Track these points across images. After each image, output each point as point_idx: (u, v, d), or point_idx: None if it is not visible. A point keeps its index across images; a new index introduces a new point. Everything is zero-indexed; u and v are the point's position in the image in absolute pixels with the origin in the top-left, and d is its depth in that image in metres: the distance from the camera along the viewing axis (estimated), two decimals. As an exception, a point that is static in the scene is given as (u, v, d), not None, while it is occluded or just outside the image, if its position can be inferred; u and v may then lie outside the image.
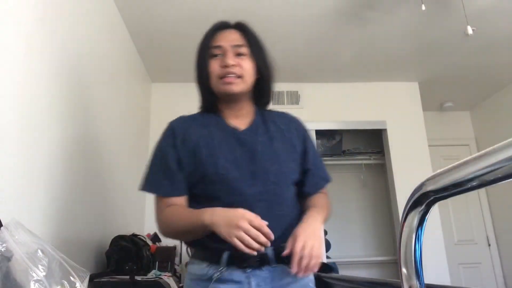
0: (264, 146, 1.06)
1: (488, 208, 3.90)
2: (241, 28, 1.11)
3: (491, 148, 0.34)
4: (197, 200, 1.04)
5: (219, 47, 1.06)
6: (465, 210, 3.89)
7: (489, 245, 3.79)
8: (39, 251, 0.85)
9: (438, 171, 0.41)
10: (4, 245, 0.81)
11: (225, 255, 0.97)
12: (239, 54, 1.06)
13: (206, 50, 1.08)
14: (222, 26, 1.12)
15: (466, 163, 0.37)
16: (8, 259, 0.80)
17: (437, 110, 4.10)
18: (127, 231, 2.23)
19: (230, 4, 2.36)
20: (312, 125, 3.31)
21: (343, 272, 3.42)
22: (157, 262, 2.08)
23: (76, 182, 1.68)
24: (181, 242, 2.83)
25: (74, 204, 1.66)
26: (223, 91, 1.06)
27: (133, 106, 2.77)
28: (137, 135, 2.85)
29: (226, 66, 1.03)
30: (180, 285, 2.26)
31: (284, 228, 1.01)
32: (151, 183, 1.07)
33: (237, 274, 0.97)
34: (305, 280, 1.05)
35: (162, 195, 1.05)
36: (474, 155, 0.36)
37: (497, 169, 0.33)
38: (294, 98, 3.38)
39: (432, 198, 0.42)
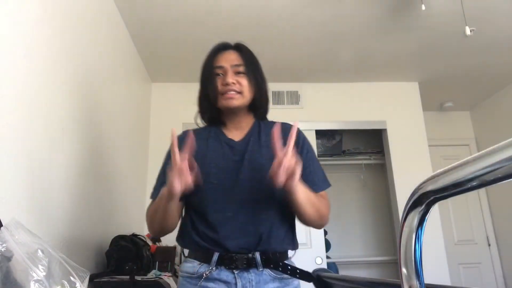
0: (252, 155, 1.15)
1: (488, 208, 3.90)
2: (239, 49, 1.25)
3: (491, 148, 0.34)
4: (195, 209, 1.15)
5: (220, 67, 1.20)
6: (465, 210, 3.89)
7: (489, 245, 3.79)
8: (39, 251, 0.85)
9: (438, 171, 0.41)
10: (4, 245, 0.81)
11: (215, 256, 1.06)
12: (238, 73, 1.19)
13: (210, 70, 1.21)
14: (222, 48, 1.26)
15: (466, 163, 0.37)
16: (8, 259, 0.80)
17: (437, 110, 4.10)
18: (127, 231, 2.23)
19: (230, 4, 2.35)
20: (312, 125, 3.32)
21: (343, 272, 3.43)
22: (157, 262, 2.08)
23: (76, 182, 1.68)
24: (181, 242, 2.84)
25: (74, 204, 1.66)
26: (225, 106, 1.18)
27: (133, 106, 2.77)
28: (137, 135, 2.85)
29: (227, 84, 1.16)
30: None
31: (269, 233, 1.09)
32: (156, 190, 1.17)
33: (225, 274, 1.05)
34: (293, 284, 1.12)
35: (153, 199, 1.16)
36: (474, 155, 0.36)
37: (497, 169, 0.33)
38: (294, 98, 3.38)
39: (432, 198, 0.42)
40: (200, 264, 1.08)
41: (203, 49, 3.13)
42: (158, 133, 3.18)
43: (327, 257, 3.19)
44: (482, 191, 3.97)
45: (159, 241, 2.50)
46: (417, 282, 0.44)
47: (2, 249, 0.80)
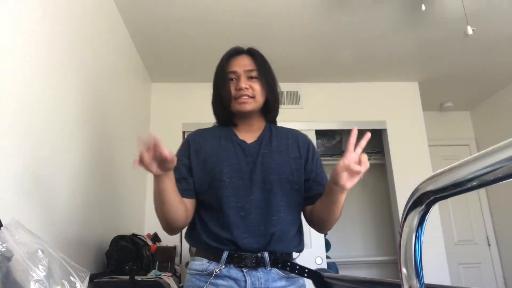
0: (264, 158, 1.19)
1: (488, 208, 3.90)
2: (252, 53, 1.28)
3: (491, 148, 0.34)
4: (206, 206, 1.17)
5: (234, 72, 1.23)
6: (465, 210, 3.89)
7: (489, 245, 3.79)
8: (39, 251, 0.85)
9: (438, 171, 0.41)
10: (4, 245, 0.81)
11: (224, 254, 1.08)
12: (250, 77, 1.23)
13: (223, 74, 1.24)
14: (235, 52, 1.28)
15: (466, 163, 0.37)
16: (8, 259, 0.80)
17: (437, 110, 4.10)
18: (127, 231, 2.23)
19: (230, 4, 2.35)
20: (312, 125, 3.32)
21: (343, 272, 3.43)
22: (157, 262, 2.08)
23: (76, 182, 1.68)
24: (181, 242, 2.84)
25: (74, 204, 1.66)
26: (239, 110, 1.22)
27: (133, 106, 2.77)
28: (137, 135, 2.85)
29: (240, 89, 1.20)
30: (180, 285, 2.26)
31: (278, 234, 1.13)
32: None
33: (234, 272, 1.08)
34: (299, 283, 1.17)
35: None
36: (474, 155, 0.36)
37: (497, 169, 0.33)
38: (294, 98, 3.38)
39: (432, 198, 0.42)
40: (209, 262, 1.10)
41: (203, 49, 3.14)
42: (158, 133, 3.13)
43: (327, 257, 3.19)
44: (482, 191, 3.97)
45: (159, 241, 2.50)
46: (417, 282, 0.44)
47: (2, 249, 0.80)
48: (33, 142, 1.32)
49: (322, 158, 3.64)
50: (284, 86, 3.38)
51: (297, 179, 1.21)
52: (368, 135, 1.05)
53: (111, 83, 2.24)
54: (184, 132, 3.23)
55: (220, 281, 1.07)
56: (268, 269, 1.10)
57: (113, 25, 2.32)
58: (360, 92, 3.46)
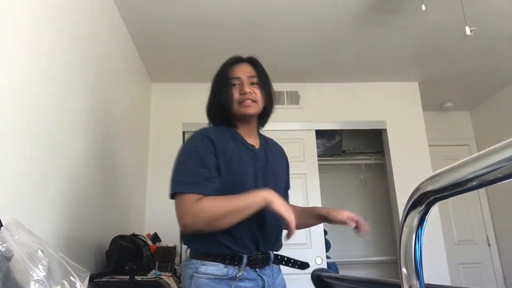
0: (271, 166, 1.31)
1: (488, 208, 3.90)
2: (253, 62, 1.37)
3: (491, 148, 0.34)
4: None
5: (237, 78, 1.31)
6: (465, 210, 3.89)
7: (489, 245, 3.79)
8: (39, 251, 0.85)
9: (438, 171, 0.41)
10: (4, 245, 0.81)
11: (245, 258, 1.15)
12: (252, 83, 1.31)
13: (226, 80, 1.31)
14: (237, 60, 1.37)
15: (466, 163, 0.37)
16: (8, 259, 0.80)
17: (437, 110, 4.10)
18: (127, 231, 2.23)
19: (231, 4, 2.35)
20: (312, 125, 3.32)
21: (343, 272, 3.43)
22: (157, 262, 2.08)
23: (75, 182, 1.68)
24: (181, 242, 2.84)
25: (74, 204, 1.66)
26: (243, 113, 1.28)
27: (133, 106, 2.77)
28: (137, 135, 2.85)
29: (244, 93, 1.27)
30: (180, 285, 2.26)
31: (279, 234, 1.28)
32: (190, 184, 1.14)
33: (251, 273, 1.17)
34: (281, 275, 1.32)
35: (204, 194, 1.13)
36: (474, 155, 0.36)
37: (497, 169, 0.33)
38: (294, 98, 3.38)
39: (432, 198, 0.42)
40: (226, 266, 1.14)
41: (203, 49, 3.13)
42: (158, 133, 3.18)
43: (327, 257, 3.19)
44: (482, 191, 3.97)
45: (159, 241, 2.50)
46: (417, 282, 0.44)
47: (2, 249, 0.80)
48: (33, 142, 1.32)
49: (322, 158, 3.66)
50: (284, 86, 3.39)
51: (285, 185, 1.42)
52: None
53: (111, 83, 2.24)
54: (184, 132, 3.23)
55: (242, 284, 1.14)
56: (271, 265, 1.22)
57: (113, 25, 2.32)
58: (360, 92, 3.46)
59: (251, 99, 1.27)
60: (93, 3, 1.96)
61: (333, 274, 1.26)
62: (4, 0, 1.18)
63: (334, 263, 3.40)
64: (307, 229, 2.93)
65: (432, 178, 0.41)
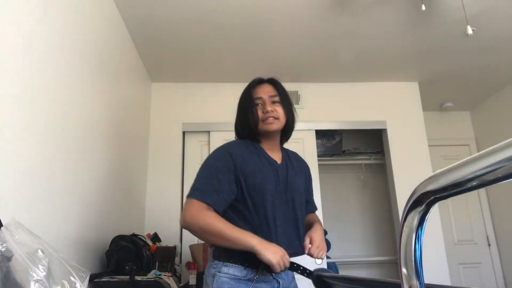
0: (292, 179, 1.40)
1: (488, 208, 3.90)
2: (273, 82, 1.49)
3: (491, 148, 0.34)
4: (234, 210, 1.31)
5: (259, 98, 1.43)
6: (465, 210, 3.89)
7: (489, 245, 3.80)
8: (39, 251, 0.85)
9: (438, 171, 0.41)
10: (4, 245, 0.81)
11: (262, 264, 1.24)
12: (273, 102, 1.43)
13: (250, 101, 1.44)
14: (259, 82, 1.50)
15: (466, 163, 0.37)
16: (9, 259, 0.80)
17: (437, 110, 4.10)
18: (127, 231, 2.23)
19: (230, 4, 2.35)
20: (312, 125, 3.32)
21: (343, 272, 3.43)
22: (157, 262, 2.08)
23: (75, 182, 1.68)
24: (181, 242, 2.84)
25: (74, 204, 1.66)
26: (266, 130, 1.40)
27: (133, 106, 2.77)
28: (137, 135, 2.85)
29: (266, 111, 1.40)
30: (180, 285, 2.26)
31: (297, 245, 1.35)
32: (203, 192, 1.28)
33: (267, 276, 1.29)
34: (295, 282, 1.42)
35: (213, 205, 1.26)
36: (474, 155, 0.36)
37: (497, 169, 0.33)
38: (294, 98, 3.38)
39: (432, 198, 0.42)
40: (245, 268, 1.26)
41: (203, 49, 3.13)
42: (158, 133, 3.18)
43: (327, 257, 3.19)
44: (482, 191, 3.97)
45: (159, 241, 2.50)
46: (417, 282, 0.44)
47: (2, 249, 0.80)
48: (33, 143, 1.32)
49: (322, 158, 3.66)
50: (284, 86, 3.38)
51: (307, 197, 1.50)
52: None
53: (111, 83, 2.24)
54: (184, 132, 3.23)
55: (258, 285, 1.26)
56: (286, 271, 1.32)
57: (113, 25, 2.32)
58: (360, 92, 3.46)
59: (273, 116, 1.39)
60: (93, 3, 1.96)
61: (333, 274, 1.26)
62: (4, 0, 1.18)
63: (334, 263, 3.40)
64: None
65: (432, 178, 0.41)
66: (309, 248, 1.34)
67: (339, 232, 3.71)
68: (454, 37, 2.75)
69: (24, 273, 0.80)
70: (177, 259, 2.49)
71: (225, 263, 1.27)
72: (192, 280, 2.26)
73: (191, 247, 2.51)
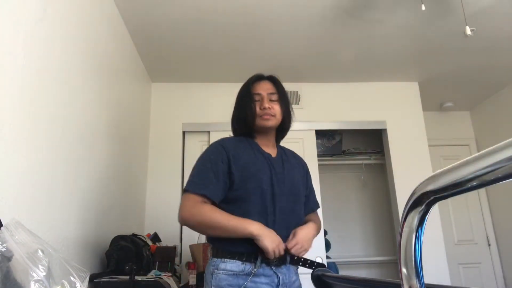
0: (288, 172, 1.41)
1: (488, 208, 3.90)
2: (273, 80, 1.50)
3: (491, 148, 0.34)
4: (229, 202, 1.32)
5: (258, 94, 1.45)
6: (465, 210, 3.89)
7: (489, 245, 3.79)
8: (39, 251, 0.85)
9: (438, 171, 0.41)
10: (4, 245, 0.81)
11: (259, 257, 1.26)
12: (272, 100, 1.44)
13: (249, 96, 1.45)
14: (259, 78, 1.51)
15: (466, 163, 0.37)
16: (9, 259, 0.80)
17: (437, 110, 4.10)
18: (127, 231, 2.23)
19: (230, 4, 2.35)
20: (312, 125, 3.32)
21: (343, 272, 3.43)
22: (157, 262, 2.08)
23: (75, 182, 1.68)
24: (181, 242, 2.84)
25: (74, 203, 1.66)
26: (262, 125, 1.42)
27: (133, 106, 2.77)
28: (137, 135, 2.85)
29: (264, 108, 1.41)
30: (180, 285, 2.26)
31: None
32: (198, 184, 1.30)
33: (267, 270, 1.28)
34: (299, 279, 1.41)
35: (207, 196, 1.28)
36: (474, 155, 0.36)
37: (497, 169, 0.33)
38: (294, 98, 3.38)
39: (432, 198, 0.42)
40: (243, 263, 1.26)
41: (203, 49, 3.13)
42: (158, 133, 3.18)
43: (327, 257, 3.19)
44: (482, 191, 3.97)
45: (159, 241, 2.50)
46: (417, 282, 0.44)
47: (2, 249, 0.80)
48: (33, 143, 1.32)
49: (322, 158, 3.66)
50: (284, 86, 3.38)
51: (306, 193, 1.50)
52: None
53: (111, 83, 2.24)
54: (184, 132, 3.23)
55: (257, 279, 1.25)
56: (287, 265, 1.32)
57: (113, 25, 2.32)
58: (360, 92, 3.46)
59: (270, 113, 1.41)
60: (93, 3, 1.96)
61: (333, 274, 1.26)
62: (4, 0, 1.18)
63: (334, 263, 3.40)
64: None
65: (432, 178, 0.41)
66: (288, 242, 1.30)
67: (339, 232, 3.71)
68: (454, 37, 2.75)
69: (24, 273, 0.80)
70: (177, 259, 2.49)
71: (223, 260, 1.28)
72: (192, 280, 2.26)
73: (191, 247, 2.51)
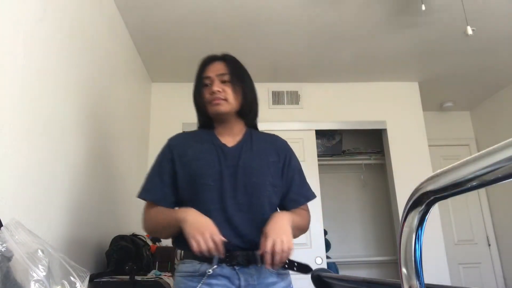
0: (246, 161, 1.23)
1: (488, 208, 3.90)
2: (225, 59, 1.32)
3: (491, 148, 0.34)
4: (182, 204, 1.22)
5: (208, 77, 1.29)
6: (465, 210, 3.89)
7: (489, 245, 3.79)
8: (39, 251, 0.85)
9: (438, 171, 0.41)
10: (4, 245, 0.81)
11: (216, 255, 1.10)
12: (223, 81, 1.27)
13: (199, 80, 1.31)
14: (210, 60, 1.33)
15: (466, 163, 0.37)
16: (8, 259, 0.80)
17: (437, 110, 4.10)
18: (127, 231, 2.23)
19: (230, 4, 2.35)
20: (312, 125, 3.32)
21: (343, 272, 3.43)
22: (157, 262, 2.08)
23: (75, 182, 1.68)
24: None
25: (74, 204, 1.66)
26: (213, 112, 1.27)
27: (133, 106, 2.77)
28: (137, 135, 2.85)
29: (213, 92, 1.25)
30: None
31: (251, 235, 1.15)
32: (145, 190, 1.25)
33: (227, 271, 1.12)
34: (288, 280, 1.22)
35: (151, 201, 1.23)
36: (474, 155, 0.36)
37: (497, 169, 0.33)
38: (294, 98, 3.38)
39: (432, 198, 0.42)
40: (200, 263, 1.13)
41: (203, 49, 3.14)
42: (158, 133, 3.18)
43: (327, 257, 3.19)
44: (482, 191, 3.97)
45: (159, 241, 2.50)
46: (417, 282, 0.44)
47: (2, 249, 0.80)
48: (33, 143, 1.32)
49: (322, 158, 3.65)
50: (284, 86, 3.38)
51: (277, 181, 1.27)
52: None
53: (111, 83, 2.24)
54: (184, 132, 3.23)
55: (214, 281, 1.10)
56: (260, 265, 1.12)
57: (113, 25, 2.32)
58: (360, 92, 3.46)
59: (219, 97, 1.25)
60: (93, 4, 1.96)
61: (333, 274, 1.25)
62: (4, 0, 1.18)
63: (334, 263, 3.40)
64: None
65: (432, 178, 0.41)
66: (261, 246, 1.07)
67: (339, 232, 3.71)
68: (454, 37, 2.75)
69: (24, 273, 0.80)
70: (177, 259, 2.49)
71: (182, 261, 1.19)
72: (192, 280, 2.26)
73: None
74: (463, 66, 3.20)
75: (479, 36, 2.67)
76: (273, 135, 1.40)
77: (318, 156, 3.33)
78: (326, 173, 3.64)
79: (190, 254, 1.13)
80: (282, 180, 1.28)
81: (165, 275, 1.87)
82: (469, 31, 2.07)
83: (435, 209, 3.09)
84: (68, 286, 0.85)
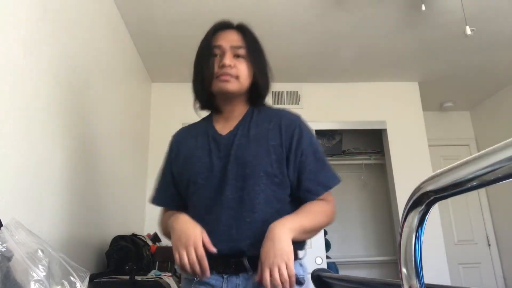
0: (238, 150, 1.04)
1: (488, 208, 3.90)
2: (242, 29, 1.12)
3: (491, 148, 0.34)
4: (187, 208, 1.11)
5: (218, 46, 1.08)
6: (465, 210, 3.89)
7: (489, 245, 3.79)
8: (39, 251, 0.85)
9: (438, 171, 0.41)
10: (4, 245, 0.81)
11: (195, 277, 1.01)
12: (237, 56, 1.08)
13: (207, 49, 1.09)
14: (223, 26, 1.12)
15: (466, 163, 0.37)
16: (8, 259, 0.80)
17: (437, 110, 4.10)
18: (127, 231, 2.23)
19: (230, 4, 2.35)
20: (312, 125, 3.28)
21: (343, 272, 3.43)
22: (157, 262, 2.08)
23: (76, 182, 1.68)
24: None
25: (74, 204, 1.66)
26: (219, 89, 1.07)
27: (133, 106, 2.77)
28: (137, 135, 2.85)
29: (223, 66, 1.05)
30: (180, 285, 2.26)
31: (257, 235, 0.96)
32: (154, 194, 1.21)
33: (215, 278, 1.00)
34: None
35: (160, 206, 1.20)
36: (474, 155, 0.36)
37: (497, 169, 0.33)
38: (294, 98, 3.38)
39: (432, 198, 0.42)
40: None
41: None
42: (158, 133, 3.18)
43: (327, 257, 3.19)
44: (482, 191, 3.97)
45: (159, 241, 2.50)
46: (417, 282, 0.44)
47: (2, 249, 0.80)
48: (33, 143, 1.32)
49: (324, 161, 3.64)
50: (284, 86, 3.38)
51: (278, 171, 1.03)
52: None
53: (111, 83, 2.24)
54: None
55: (201, 287, 1.01)
56: (250, 274, 0.97)
57: (113, 25, 2.32)
58: (360, 92, 3.46)
59: (230, 74, 1.05)
60: (92, 3, 1.96)
61: (333, 274, 1.25)
62: (4, 0, 1.18)
63: (334, 263, 3.40)
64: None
65: (432, 178, 0.41)
66: (257, 278, 0.91)
67: (339, 232, 3.71)
68: (454, 37, 2.75)
69: (24, 273, 0.80)
70: (177, 259, 2.49)
71: None
72: (192, 280, 2.26)
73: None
74: (463, 66, 3.20)
75: (479, 36, 2.67)
76: (282, 110, 1.15)
77: (318, 156, 3.32)
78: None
79: None
80: (289, 167, 1.04)
81: (165, 275, 1.87)
82: (468, 31, 2.07)
83: (435, 209, 3.09)
84: (68, 286, 0.85)
